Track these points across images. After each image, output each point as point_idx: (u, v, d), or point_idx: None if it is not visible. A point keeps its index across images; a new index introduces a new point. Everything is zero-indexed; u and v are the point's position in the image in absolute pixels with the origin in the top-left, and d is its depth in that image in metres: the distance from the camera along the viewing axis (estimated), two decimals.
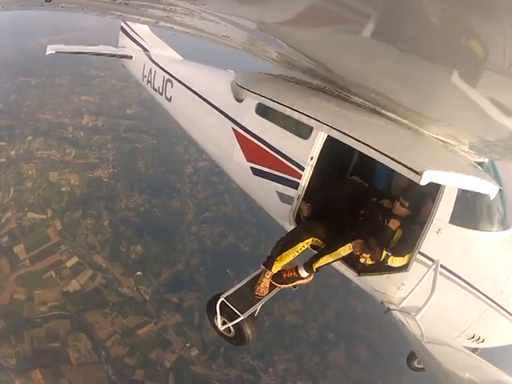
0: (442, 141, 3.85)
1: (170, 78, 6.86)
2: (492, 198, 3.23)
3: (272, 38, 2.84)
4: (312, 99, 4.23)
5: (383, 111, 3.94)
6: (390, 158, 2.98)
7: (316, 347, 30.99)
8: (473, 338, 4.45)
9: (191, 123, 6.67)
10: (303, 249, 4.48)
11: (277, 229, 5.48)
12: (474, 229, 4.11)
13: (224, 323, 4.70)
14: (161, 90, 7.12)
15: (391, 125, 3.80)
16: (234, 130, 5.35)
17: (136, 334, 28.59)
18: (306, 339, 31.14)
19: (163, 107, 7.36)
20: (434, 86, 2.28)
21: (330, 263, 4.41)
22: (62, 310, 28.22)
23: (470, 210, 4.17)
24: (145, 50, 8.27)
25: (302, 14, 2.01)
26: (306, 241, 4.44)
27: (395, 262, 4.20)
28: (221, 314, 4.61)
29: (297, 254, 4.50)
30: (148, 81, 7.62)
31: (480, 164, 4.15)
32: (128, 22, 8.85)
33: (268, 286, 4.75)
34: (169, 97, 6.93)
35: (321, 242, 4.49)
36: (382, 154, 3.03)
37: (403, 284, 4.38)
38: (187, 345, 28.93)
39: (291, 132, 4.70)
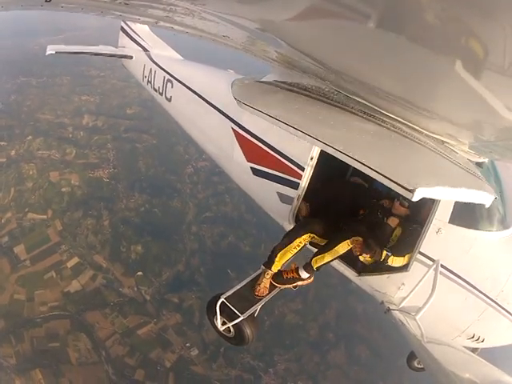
0: (442, 142, 3.85)
1: (170, 78, 6.86)
2: (487, 206, 3.23)
3: (272, 38, 2.84)
4: (308, 111, 4.21)
5: (379, 115, 3.93)
6: (380, 174, 3.00)
7: (316, 347, 30.96)
8: (473, 337, 4.45)
9: (191, 123, 6.67)
10: (301, 245, 4.47)
11: (277, 229, 5.48)
12: (474, 228, 4.12)
13: (224, 323, 4.69)
14: (161, 90, 7.12)
15: (386, 133, 3.78)
16: (233, 130, 5.36)
17: (136, 333, 28.56)
18: (306, 339, 31.12)
19: (163, 107, 7.36)
20: (434, 84, 2.28)
21: (329, 262, 4.40)
22: (61, 310, 28.19)
23: (469, 210, 4.17)
24: (145, 50, 8.26)
25: (302, 12, 2.01)
26: (303, 236, 4.43)
27: (395, 261, 4.21)
28: (221, 315, 4.61)
29: (295, 250, 4.49)
30: (148, 81, 7.62)
31: (480, 164, 4.16)
32: (128, 22, 8.85)
33: (268, 286, 4.75)
34: (169, 97, 6.93)
35: (318, 239, 4.48)
36: (374, 170, 3.05)
37: (403, 284, 4.39)
38: (187, 345, 28.91)
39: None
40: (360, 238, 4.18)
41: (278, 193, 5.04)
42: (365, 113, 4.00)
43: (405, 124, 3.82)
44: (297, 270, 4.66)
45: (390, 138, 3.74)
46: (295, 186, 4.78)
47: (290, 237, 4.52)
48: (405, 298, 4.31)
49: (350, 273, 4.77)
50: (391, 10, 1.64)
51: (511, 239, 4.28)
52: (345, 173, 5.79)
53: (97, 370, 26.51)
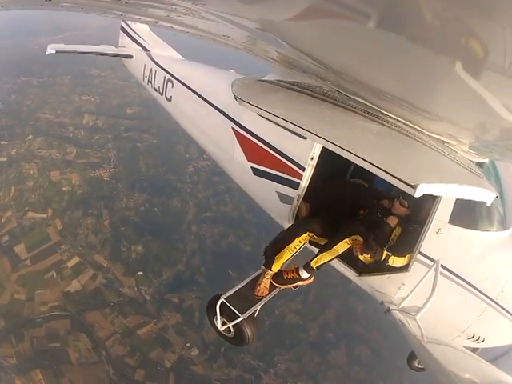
0: (442, 141, 3.85)
1: (171, 77, 6.85)
2: (488, 204, 3.23)
3: (273, 38, 2.84)
4: (309, 109, 4.21)
5: (381, 114, 3.93)
6: (383, 170, 3.00)
7: (316, 347, 30.95)
8: (473, 337, 4.45)
9: (191, 123, 6.67)
10: (300, 245, 4.47)
11: (277, 229, 5.48)
12: (474, 229, 4.12)
13: (224, 324, 4.69)
14: (161, 90, 7.12)
15: (388, 131, 3.79)
16: (234, 130, 5.35)
17: (136, 333, 28.55)
18: (306, 339, 31.11)
19: (163, 107, 7.36)
20: (434, 84, 2.28)
21: (329, 261, 4.40)
22: (62, 310, 28.19)
23: (469, 210, 4.17)
24: (145, 49, 8.26)
25: (302, 12, 2.01)
26: (302, 236, 4.42)
27: (396, 262, 4.20)
28: (221, 315, 4.61)
29: (294, 250, 4.49)
30: (148, 81, 7.62)
31: (480, 164, 4.16)
32: (128, 22, 8.85)
33: (268, 286, 4.74)
34: (169, 97, 6.92)
35: (318, 238, 4.48)
36: (376, 166, 3.05)
37: (403, 284, 4.38)
38: (187, 345, 28.91)
39: (291, 132, 4.69)
40: (359, 237, 4.18)
41: (277, 192, 5.03)
42: (366, 112, 4.00)
43: (405, 124, 3.82)
44: (297, 270, 4.65)
45: (392, 136, 3.74)
46: (295, 185, 4.77)
47: (288, 236, 4.51)
48: (405, 298, 4.31)
49: (350, 273, 4.77)
50: (391, 10, 1.64)
51: (511, 239, 4.28)
52: (345, 173, 5.79)
53: (97, 370, 26.52)
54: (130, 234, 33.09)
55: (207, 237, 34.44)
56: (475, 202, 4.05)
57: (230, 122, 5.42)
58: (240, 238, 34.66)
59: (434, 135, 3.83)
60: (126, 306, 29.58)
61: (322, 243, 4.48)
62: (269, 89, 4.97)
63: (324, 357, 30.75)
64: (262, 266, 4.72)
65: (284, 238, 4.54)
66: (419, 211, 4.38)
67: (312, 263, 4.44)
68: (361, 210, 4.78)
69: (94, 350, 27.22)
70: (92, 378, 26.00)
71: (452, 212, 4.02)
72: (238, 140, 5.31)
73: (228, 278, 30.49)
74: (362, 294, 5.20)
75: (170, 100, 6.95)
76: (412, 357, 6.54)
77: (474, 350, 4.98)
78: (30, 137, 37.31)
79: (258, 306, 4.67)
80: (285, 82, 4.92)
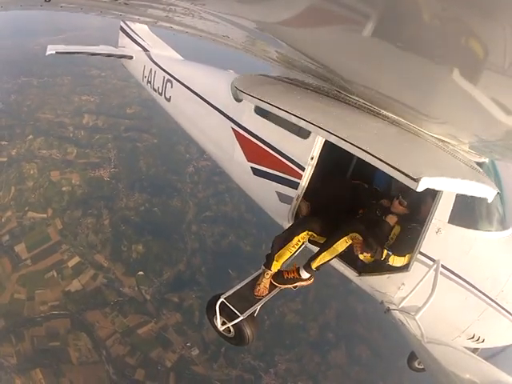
0: (443, 141, 3.85)
1: (170, 78, 6.85)
2: (490, 201, 3.23)
3: (272, 38, 2.84)
4: (310, 102, 4.21)
5: (382, 112, 3.93)
6: (386, 163, 2.99)
7: (317, 347, 30.98)
8: (473, 338, 4.44)
9: (191, 123, 6.66)
10: (299, 244, 4.47)
11: (277, 228, 5.48)
12: (474, 229, 4.11)
13: (224, 323, 4.68)
14: (160, 90, 7.11)
15: (390, 127, 3.79)
16: (233, 130, 5.34)
17: (136, 333, 28.59)
18: (306, 339, 31.15)
19: (163, 107, 7.36)
20: (434, 84, 2.28)
21: (329, 261, 4.39)
22: (62, 309, 28.24)
23: (469, 210, 4.16)
24: (145, 50, 8.25)
25: (302, 13, 2.01)
26: (301, 235, 4.42)
27: (396, 261, 4.19)
28: (220, 315, 4.60)
29: (294, 249, 4.49)
30: (148, 81, 7.61)
31: (480, 164, 4.15)
32: (127, 22, 8.84)
33: (268, 286, 4.73)
34: (168, 97, 6.92)
35: (317, 237, 4.48)
36: (378, 159, 3.04)
37: (403, 284, 4.38)
38: (188, 344, 28.95)
39: (291, 131, 4.68)
40: (358, 236, 4.17)
41: (277, 192, 5.03)
42: (368, 109, 4.00)
43: (406, 123, 3.82)
44: (298, 270, 4.64)
45: (395, 131, 3.74)
46: (295, 185, 4.77)
47: (287, 236, 4.51)
48: (404, 298, 4.30)
49: (350, 273, 4.76)
50: (391, 11, 1.64)
51: (511, 239, 4.28)
52: (345, 173, 5.79)
53: (97, 370, 26.55)
54: (131, 233, 33.14)
55: (207, 236, 34.49)
56: (475, 201, 4.05)
57: (229, 122, 5.41)
58: (240, 237, 34.69)
59: (435, 135, 3.82)
60: (126, 305, 29.62)
61: (322, 242, 4.47)
62: (270, 82, 4.97)
63: (324, 357, 30.78)
64: (262, 266, 4.71)
65: (283, 238, 4.53)
66: (418, 210, 4.38)
67: (312, 263, 4.43)
68: (360, 210, 4.78)
69: (94, 349, 27.26)
70: (92, 377, 26.03)
71: (452, 211, 4.01)
72: (237, 140, 5.31)
73: (228, 277, 30.53)
74: (362, 294, 5.19)
75: (169, 100, 6.94)
76: (412, 357, 6.53)
77: (474, 350, 4.98)
78: (31, 137, 37.38)
79: (258, 306, 4.66)
80: (285, 78, 4.93)
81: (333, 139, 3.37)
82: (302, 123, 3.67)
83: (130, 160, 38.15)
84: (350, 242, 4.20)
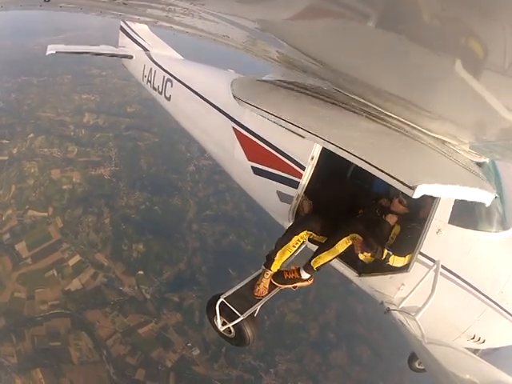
0: (443, 141, 3.84)
1: (170, 77, 6.84)
2: (487, 205, 3.23)
3: (273, 38, 2.84)
4: (307, 108, 4.21)
5: (381, 114, 3.92)
6: (381, 171, 3.00)
7: (317, 347, 30.99)
8: (473, 338, 4.43)
9: (191, 122, 6.66)
10: (299, 243, 4.46)
11: (277, 228, 5.47)
12: (474, 229, 4.10)
13: (224, 324, 4.69)
14: (160, 90, 7.10)
15: (388, 132, 3.77)
16: (234, 129, 5.34)
17: (137, 332, 28.63)
18: (306, 339, 31.15)
19: (163, 106, 7.35)
20: (434, 84, 2.28)
21: (329, 261, 4.39)
22: (62, 309, 28.27)
23: (469, 210, 4.15)
24: (145, 49, 8.25)
25: (302, 12, 2.01)
26: (301, 234, 4.41)
27: (396, 261, 4.18)
28: (220, 315, 4.60)
29: (293, 249, 4.49)
30: (148, 80, 7.61)
31: (480, 164, 4.14)
32: (128, 22, 8.85)
33: (268, 286, 4.73)
34: (168, 96, 6.91)
35: (317, 237, 4.47)
36: (374, 167, 3.05)
37: (403, 284, 4.37)
38: (188, 344, 28.97)
39: (292, 131, 4.68)
40: (358, 236, 4.17)
41: (277, 192, 5.02)
42: (366, 112, 3.99)
43: (406, 123, 3.81)
44: (298, 270, 4.64)
45: (391, 136, 3.73)
46: (295, 185, 4.76)
47: (287, 235, 4.50)
48: (405, 299, 4.29)
49: (350, 273, 4.76)
50: (391, 9, 1.64)
51: (511, 240, 4.27)
52: (345, 172, 5.78)
53: (98, 370, 26.58)
54: (131, 232, 33.17)
55: (208, 235, 34.51)
56: (475, 202, 4.05)
57: (230, 121, 5.40)
58: (241, 237, 34.70)
59: (435, 135, 3.81)
60: (126, 304, 29.65)
61: (323, 241, 4.47)
62: (268, 89, 4.96)
63: (325, 357, 30.80)
64: (262, 266, 4.71)
65: (283, 237, 4.53)
66: (418, 210, 4.38)
67: (312, 263, 4.43)
68: (360, 210, 4.77)
69: (95, 349, 27.29)
70: (93, 377, 26.06)
71: (452, 212, 4.00)
72: (238, 139, 5.30)
73: (229, 277, 30.53)
74: (362, 294, 5.19)
75: (169, 99, 6.94)
76: (413, 358, 6.54)
77: (475, 351, 4.97)
78: (31, 135, 37.45)
79: (258, 306, 4.67)
80: (284, 81, 4.91)
81: (331, 148, 3.38)
82: (299, 131, 3.69)
83: (130, 158, 38.18)
84: (351, 242, 4.20)
